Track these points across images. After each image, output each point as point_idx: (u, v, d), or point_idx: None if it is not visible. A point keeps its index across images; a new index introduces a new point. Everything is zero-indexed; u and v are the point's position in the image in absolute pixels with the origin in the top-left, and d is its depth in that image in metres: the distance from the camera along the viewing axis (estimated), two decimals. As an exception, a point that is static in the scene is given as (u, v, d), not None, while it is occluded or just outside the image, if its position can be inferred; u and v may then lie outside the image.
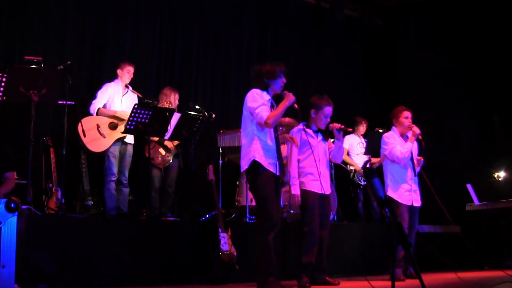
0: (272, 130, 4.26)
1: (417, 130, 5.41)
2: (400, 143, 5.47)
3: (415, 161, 5.51)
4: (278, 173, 4.25)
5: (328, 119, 4.85)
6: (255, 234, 4.18)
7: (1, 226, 2.60)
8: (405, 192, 5.41)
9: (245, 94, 4.33)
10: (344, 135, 4.87)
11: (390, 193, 5.39)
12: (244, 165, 4.21)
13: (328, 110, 4.83)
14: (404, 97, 8.74)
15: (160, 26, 7.19)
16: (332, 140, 5.00)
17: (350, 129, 4.82)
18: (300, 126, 4.88)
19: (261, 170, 4.13)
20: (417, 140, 5.47)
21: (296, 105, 4.29)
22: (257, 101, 4.19)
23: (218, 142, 6.42)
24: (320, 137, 4.87)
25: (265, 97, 4.27)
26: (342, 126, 4.77)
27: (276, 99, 4.40)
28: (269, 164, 4.16)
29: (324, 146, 4.90)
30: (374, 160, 7.41)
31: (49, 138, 5.69)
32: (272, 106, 4.30)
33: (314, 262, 4.68)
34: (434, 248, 7.07)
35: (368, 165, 7.46)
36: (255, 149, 4.15)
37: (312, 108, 4.85)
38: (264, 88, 4.30)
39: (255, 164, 4.14)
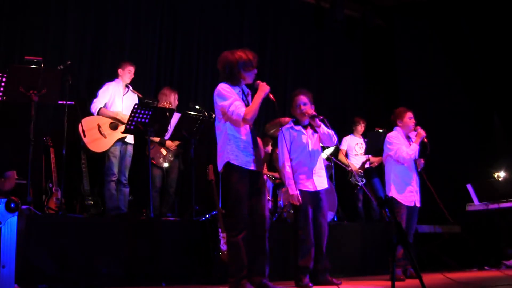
0: (247, 125, 4.00)
1: (423, 132, 5.44)
2: (405, 144, 5.47)
3: (417, 162, 5.50)
4: (256, 168, 4.01)
5: (306, 107, 4.68)
6: (226, 235, 4.02)
7: (1, 226, 2.60)
8: (408, 193, 5.41)
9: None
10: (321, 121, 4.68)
11: (394, 194, 5.37)
12: (219, 165, 4.02)
13: (299, 100, 4.70)
14: (404, 97, 8.74)
15: (160, 26, 7.19)
16: None
17: (321, 117, 4.64)
18: (288, 125, 4.79)
19: (235, 169, 3.90)
20: (422, 142, 5.47)
21: (271, 95, 4.01)
22: (228, 97, 3.89)
23: (218, 142, 6.41)
24: (310, 130, 4.76)
25: (235, 89, 3.97)
26: (314, 113, 4.64)
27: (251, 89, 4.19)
28: (247, 162, 3.95)
29: (315, 139, 4.78)
30: (373, 159, 7.41)
31: (49, 138, 5.69)
32: (246, 95, 4.06)
33: (310, 266, 4.63)
34: (435, 248, 7.07)
35: (367, 165, 7.47)
36: (229, 150, 3.92)
37: None
38: (235, 81, 3.96)
39: (229, 165, 3.93)
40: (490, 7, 7.98)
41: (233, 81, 3.99)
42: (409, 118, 5.55)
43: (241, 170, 3.92)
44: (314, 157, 4.75)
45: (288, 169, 4.63)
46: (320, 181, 4.74)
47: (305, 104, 4.70)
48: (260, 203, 4.03)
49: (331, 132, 4.70)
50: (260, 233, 3.99)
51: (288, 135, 4.71)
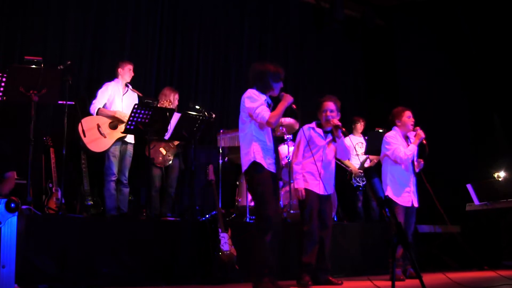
0: (270, 130, 4.22)
1: (422, 134, 5.39)
2: (402, 144, 5.45)
3: (415, 163, 5.48)
4: (275, 172, 4.20)
5: (333, 114, 4.80)
6: (252, 234, 4.14)
7: (1, 226, 2.60)
8: (405, 193, 5.39)
9: (245, 94, 4.30)
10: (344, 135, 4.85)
11: (390, 195, 5.36)
12: (244, 166, 4.17)
13: (327, 106, 4.83)
14: (404, 97, 8.74)
15: (160, 26, 7.19)
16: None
17: (344, 129, 4.78)
18: (310, 125, 4.91)
19: (260, 170, 4.08)
20: (421, 143, 5.45)
21: (294, 106, 4.24)
22: (257, 100, 4.14)
23: (218, 142, 6.42)
24: (329, 137, 4.85)
25: (262, 97, 4.22)
26: (339, 124, 4.75)
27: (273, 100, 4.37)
28: (269, 164, 4.12)
29: (333, 147, 4.88)
30: (372, 157, 7.41)
31: (49, 138, 5.69)
32: (269, 106, 4.25)
33: (314, 262, 4.68)
34: (435, 248, 7.06)
35: (367, 164, 7.47)
36: (254, 150, 4.09)
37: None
38: (263, 89, 4.22)
39: (255, 165, 4.09)
40: (490, 7, 7.98)
41: (262, 89, 4.22)
42: (407, 117, 5.51)
43: (265, 171, 4.10)
44: (327, 161, 4.84)
45: (299, 165, 4.79)
46: (327, 185, 4.82)
47: (331, 111, 4.82)
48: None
49: (348, 146, 4.92)
50: (274, 235, 4.09)
51: (308, 134, 4.84)
